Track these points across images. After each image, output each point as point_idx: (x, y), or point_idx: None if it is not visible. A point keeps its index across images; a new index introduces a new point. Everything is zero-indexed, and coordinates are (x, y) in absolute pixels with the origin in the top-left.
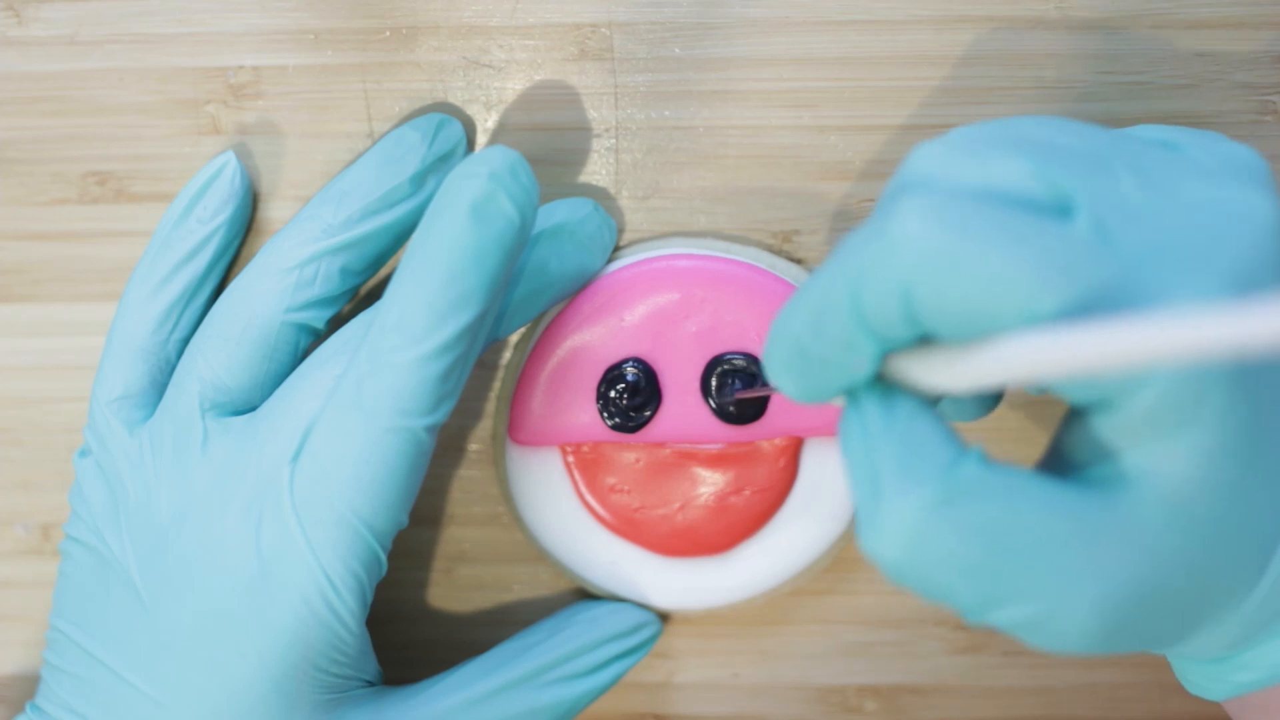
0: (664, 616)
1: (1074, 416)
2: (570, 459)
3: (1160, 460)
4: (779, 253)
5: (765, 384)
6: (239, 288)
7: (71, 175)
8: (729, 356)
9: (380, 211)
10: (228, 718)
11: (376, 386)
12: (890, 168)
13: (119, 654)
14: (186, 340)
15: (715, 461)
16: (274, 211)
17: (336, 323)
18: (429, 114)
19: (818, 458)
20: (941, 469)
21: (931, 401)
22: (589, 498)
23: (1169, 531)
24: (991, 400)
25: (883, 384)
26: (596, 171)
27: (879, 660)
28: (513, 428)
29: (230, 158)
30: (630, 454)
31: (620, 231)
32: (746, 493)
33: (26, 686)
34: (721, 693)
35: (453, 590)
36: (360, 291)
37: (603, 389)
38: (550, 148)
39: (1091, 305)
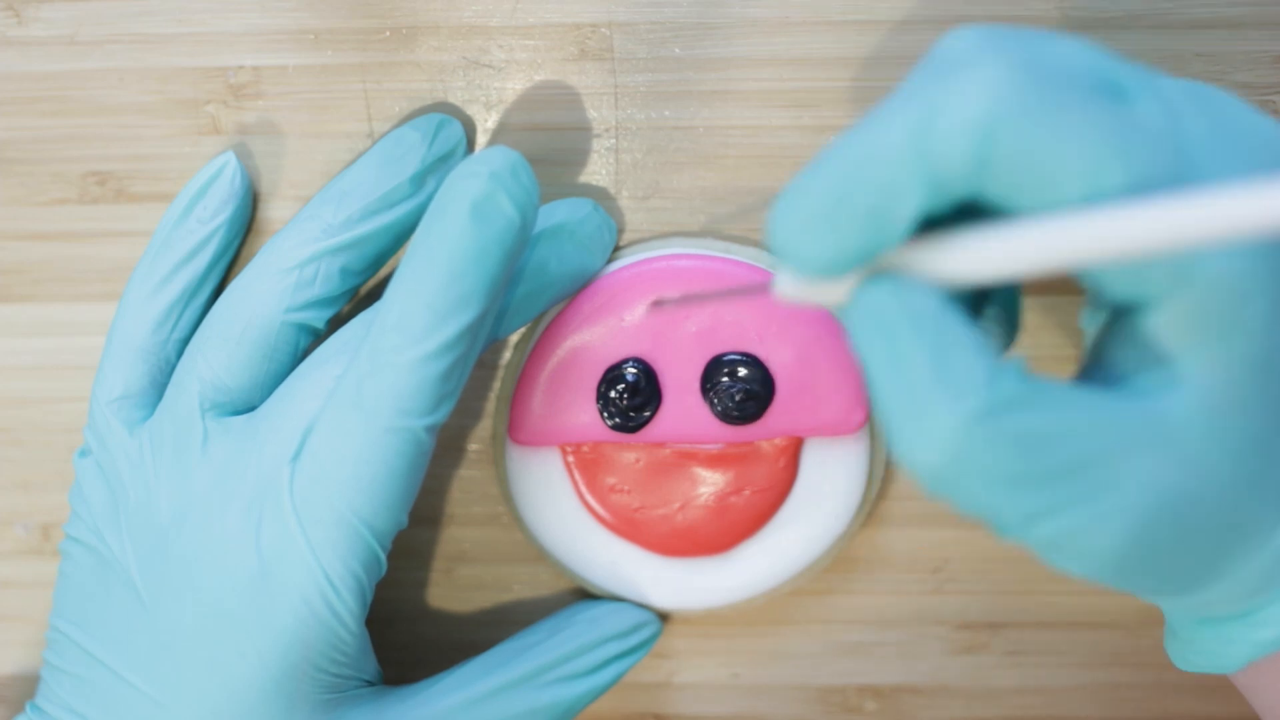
0: (664, 616)
1: (1115, 322)
2: (570, 459)
3: (1203, 366)
4: None
5: (765, 369)
6: (239, 288)
7: (71, 175)
8: (729, 356)
9: (380, 212)
10: (227, 717)
11: (376, 386)
12: None
13: (119, 654)
14: (186, 340)
15: (715, 461)
16: (274, 211)
17: (336, 323)
18: (429, 114)
19: (818, 458)
20: (983, 381)
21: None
22: (589, 498)
23: (1208, 443)
24: (1015, 325)
25: (894, 277)
26: (596, 171)
27: (879, 660)
28: (513, 428)
29: (230, 158)
30: (630, 454)
31: (620, 231)
32: (746, 493)
33: (26, 686)
34: (721, 693)
35: (453, 590)
36: (360, 291)
37: (603, 389)
38: (550, 148)
39: (1156, 185)
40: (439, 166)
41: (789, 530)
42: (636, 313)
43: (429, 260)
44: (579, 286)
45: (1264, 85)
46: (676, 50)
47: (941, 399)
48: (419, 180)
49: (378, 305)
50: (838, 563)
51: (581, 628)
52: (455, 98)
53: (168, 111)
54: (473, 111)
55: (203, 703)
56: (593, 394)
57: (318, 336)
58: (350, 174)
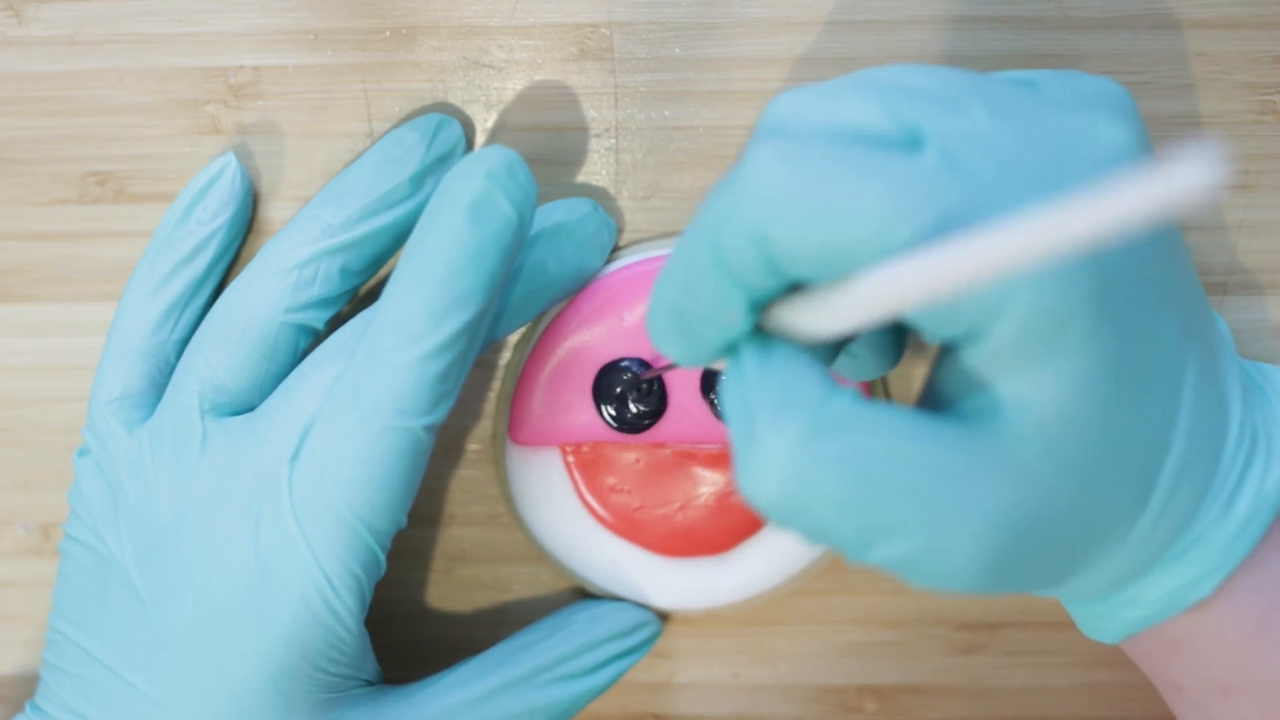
0: (664, 616)
1: (945, 353)
2: (570, 459)
3: (1029, 389)
4: None
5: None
6: (238, 288)
7: (71, 175)
8: None
9: (379, 212)
10: (227, 717)
11: (374, 386)
12: None
13: (118, 653)
14: (186, 341)
15: (715, 461)
16: (274, 212)
17: (336, 323)
18: (428, 114)
19: None
20: (814, 402)
21: (822, 356)
22: (589, 498)
23: (1044, 461)
24: (891, 354)
25: (762, 337)
26: (596, 171)
27: (879, 660)
28: (513, 428)
29: (230, 159)
30: (630, 454)
31: (620, 231)
32: None
33: (26, 686)
34: (721, 693)
35: (453, 590)
36: (360, 292)
37: (605, 388)
38: (550, 148)
39: (944, 231)
40: (438, 167)
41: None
42: (636, 312)
43: (426, 260)
44: (578, 286)
45: (1264, 85)
46: (676, 50)
47: (773, 424)
48: (418, 180)
49: (376, 305)
50: (838, 563)
51: (581, 627)
52: (455, 98)
53: (168, 111)
54: (472, 111)
55: (202, 702)
56: (592, 394)
57: (317, 337)
58: (349, 175)
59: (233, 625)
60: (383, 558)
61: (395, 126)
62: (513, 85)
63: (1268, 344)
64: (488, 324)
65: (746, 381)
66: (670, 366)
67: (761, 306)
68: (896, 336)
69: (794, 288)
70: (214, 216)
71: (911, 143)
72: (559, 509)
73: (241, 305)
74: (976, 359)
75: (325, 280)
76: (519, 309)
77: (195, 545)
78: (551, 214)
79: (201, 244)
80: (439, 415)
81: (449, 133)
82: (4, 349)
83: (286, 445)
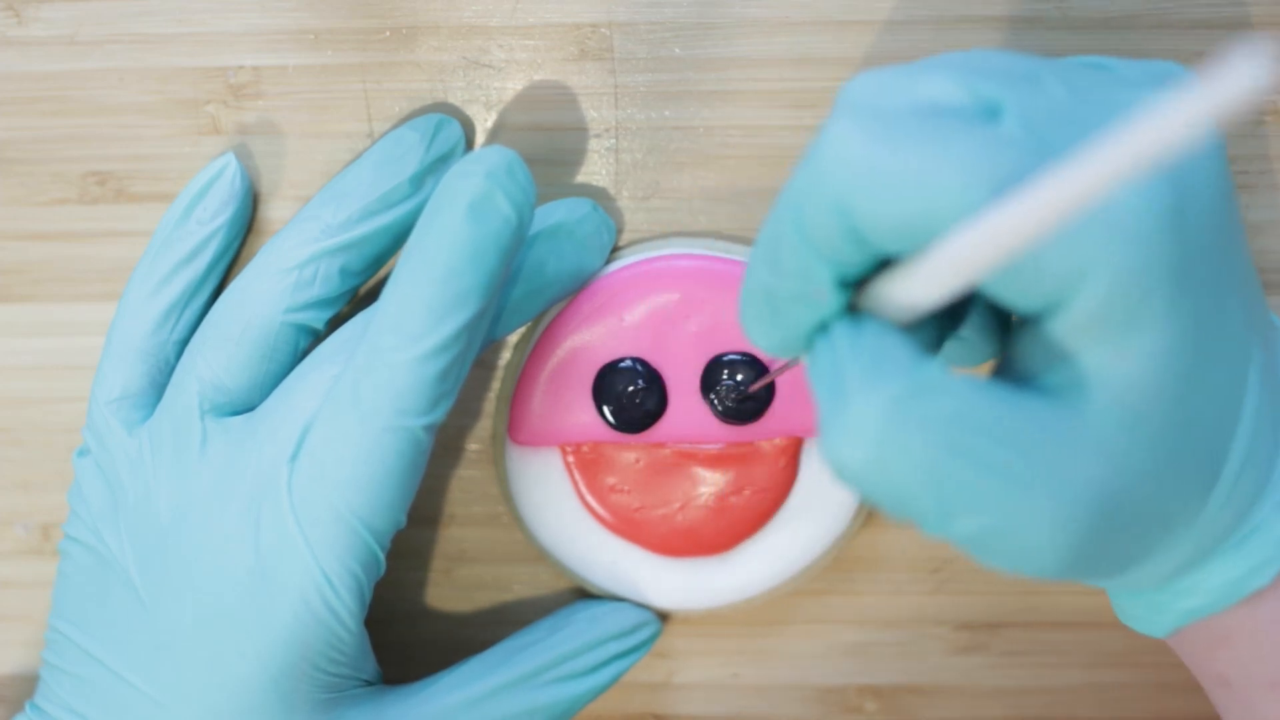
0: (664, 616)
1: (1022, 329)
2: (570, 459)
3: (1114, 361)
4: None
5: (765, 368)
6: (238, 288)
7: (71, 175)
8: (729, 357)
9: (379, 212)
10: (227, 717)
11: (374, 386)
12: None
13: (118, 654)
14: (186, 341)
15: (715, 461)
16: (274, 211)
17: (336, 323)
18: (428, 114)
19: (818, 458)
20: (906, 367)
21: (922, 339)
22: (589, 498)
23: (1127, 438)
24: (998, 335)
25: (855, 315)
26: (596, 171)
27: (879, 660)
28: (512, 428)
29: (230, 159)
30: (630, 454)
31: (620, 231)
32: (746, 493)
33: (26, 686)
34: (721, 693)
35: (453, 590)
36: (360, 291)
37: (605, 388)
38: (550, 148)
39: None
40: (438, 167)
41: (789, 530)
42: (636, 312)
43: (425, 259)
44: (578, 286)
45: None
46: (676, 50)
47: (866, 386)
48: (418, 181)
49: (375, 305)
50: (838, 563)
51: (581, 626)
52: (455, 98)
53: (168, 111)
54: (472, 111)
55: (202, 702)
56: (592, 394)
57: (317, 337)
58: (349, 175)
59: (233, 625)
60: (382, 558)
61: (395, 126)
62: (513, 85)
63: None
64: (487, 324)
65: (837, 350)
66: (787, 366)
67: (851, 285)
68: (1003, 317)
69: (884, 266)
70: (214, 216)
71: (990, 114)
72: (559, 509)
73: (241, 305)
74: (1059, 330)
75: (325, 280)
76: (519, 309)
77: (195, 545)
78: (551, 214)
79: (201, 244)
80: (439, 415)
81: (449, 133)
82: (4, 349)
83: (286, 445)
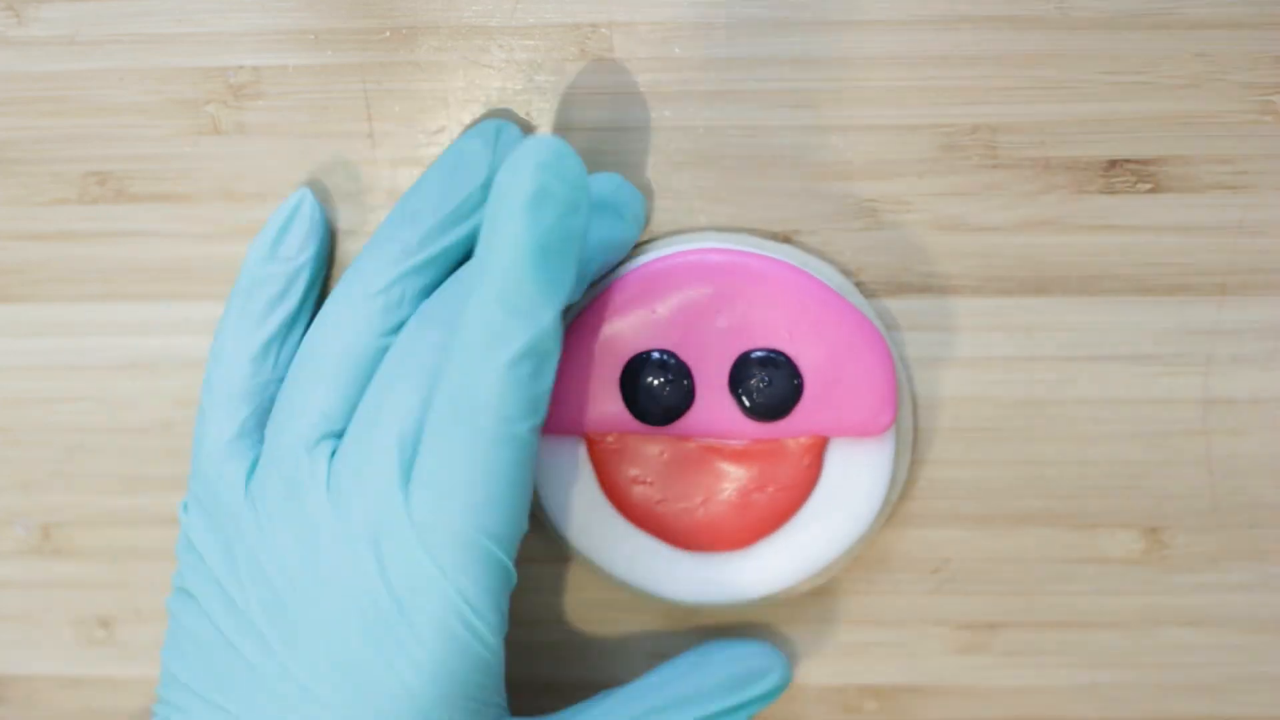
0: (675, 609)
1: None
2: (594, 449)
3: None
4: (812, 251)
5: (795, 367)
6: (327, 319)
7: (71, 175)
8: (758, 353)
9: (455, 225)
10: None
11: (472, 399)
12: (890, 167)
13: (256, 708)
14: (283, 379)
15: (740, 457)
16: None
17: None
18: (485, 120)
19: (842, 457)
20: None
21: None
22: (611, 489)
23: None
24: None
25: None
26: (596, 172)
27: (879, 660)
28: None
29: (306, 193)
30: (654, 446)
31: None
32: (769, 490)
33: (26, 686)
34: None
35: None
36: None
37: (632, 379)
38: None
39: None
40: None
41: (810, 529)
42: (668, 304)
43: (496, 265)
44: (619, 257)
45: (1264, 85)
46: (676, 50)
47: None
48: (489, 188)
49: (429, 315)
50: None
51: (718, 666)
52: (455, 98)
53: (168, 111)
54: (473, 111)
55: None
56: (620, 385)
57: None
58: (418, 192)
59: (375, 664)
60: (513, 568)
61: (456, 138)
62: (513, 85)
63: (1268, 344)
64: (568, 313)
65: None
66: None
67: None
68: None
69: None
70: (299, 252)
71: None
72: (580, 498)
73: (333, 336)
74: None
75: (413, 300)
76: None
77: (322, 585)
78: None
79: (290, 280)
80: (541, 415)
81: (509, 135)
82: (4, 349)
83: (390, 471)
